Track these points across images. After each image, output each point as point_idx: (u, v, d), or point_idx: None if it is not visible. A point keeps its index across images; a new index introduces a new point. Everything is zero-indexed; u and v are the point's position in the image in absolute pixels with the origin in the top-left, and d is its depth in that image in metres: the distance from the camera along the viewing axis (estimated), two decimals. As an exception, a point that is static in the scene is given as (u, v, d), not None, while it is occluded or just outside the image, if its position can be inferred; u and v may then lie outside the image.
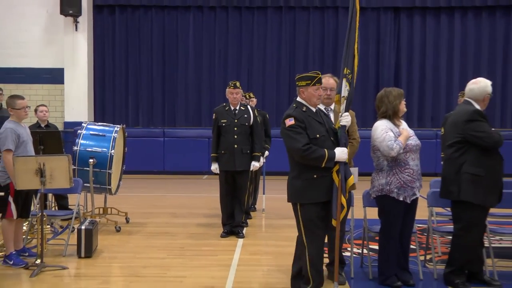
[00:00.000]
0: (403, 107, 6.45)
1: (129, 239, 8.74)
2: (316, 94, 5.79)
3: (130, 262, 7.50)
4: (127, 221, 9.83)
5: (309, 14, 17.24)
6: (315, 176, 5.62)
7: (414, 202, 6.43)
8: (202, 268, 7.17)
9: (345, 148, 5.66)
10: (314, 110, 5.84)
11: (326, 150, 5.58)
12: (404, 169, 6.28)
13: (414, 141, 6.39)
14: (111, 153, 9.36)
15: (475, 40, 17.21)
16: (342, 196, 5.70)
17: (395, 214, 6.35)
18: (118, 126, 9.90)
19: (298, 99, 5.91)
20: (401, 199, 6.27)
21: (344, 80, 5.96)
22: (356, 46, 6.07)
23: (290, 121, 5.64)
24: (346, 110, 5.90)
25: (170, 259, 7.62)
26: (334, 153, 5.57)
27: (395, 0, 16.89)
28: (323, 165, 5.56)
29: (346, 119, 5.84)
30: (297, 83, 5.92)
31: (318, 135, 5.66)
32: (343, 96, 5.95)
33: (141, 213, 10.59)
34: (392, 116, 6.43)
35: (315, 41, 17.32)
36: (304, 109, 5.77)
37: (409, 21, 17.28)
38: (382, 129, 6.32)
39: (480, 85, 6.35)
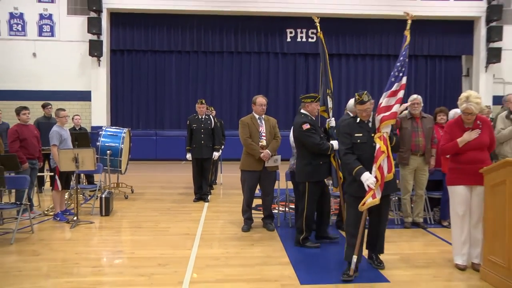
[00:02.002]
0: None
1: (133, 203, 8.68)
2: (316, 108, 5.83)
3: (134, 218, 7.48)
4: (132, 192, 9.75)
5: (251, 56, 17.22)
6: (320, 162, 5.64)
7: None
8: (181, 222, 7.17)
9: (336, 141, 5.69)
10: (314, 118, 5.82)
11: (329, 143, 5.68)
12: None
13: None
14: (121, 146, 9.33)
15: (354, 75, 17.51)
16: (339, 171, 5.81)
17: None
18: (125, 129, 9.86)
19: (303, 111, 5.86)
20: None
21: (328, 97, 6.04)
22: (330, 74, 6.16)
23: (306, 126, 5.60)
24: (332, 116, 6.05)
25: (160, 216, 7.61)
26: (333, 145, 5.65)
27: (305, 48, 17.01)
28: (329, 153, 5.64)
29: (333, 122, 5.99)
30: (303, 100, 5.88)
31: (322, 135, 5.74)
32: (330, 107, 6.04)
33: (141, 186, 10.48)
34: None
35: (254, 74, 17.29)
36: (309, 118, 5.77)
37: (314, 62, 17.31)
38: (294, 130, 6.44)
39: (351, 102, 6.39)
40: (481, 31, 16.81)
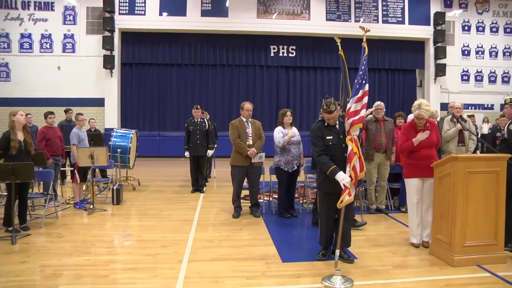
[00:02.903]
0: (286, 120, 6.53)
1: (140, 194, 8.65)
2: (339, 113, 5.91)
3: (141, 207, 7.45)
4: (139, 184, 9.71)
5: (240, 69, 17.22)
6: None
7: (295, 171, 6.53)
8: (181, 210, 7.16)
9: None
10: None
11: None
12: (288, 153, 6.44)
13: (296, 138, 6.50)
14: (129, 145, 9.29)
15: (327, 84, 17.61)
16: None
17: (282, 177, 6.52)
18: (133, 130, 9.82)
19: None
20: (285, 169, 6.44)
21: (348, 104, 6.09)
22: (348, 85, 6.17)
23: None
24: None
25: (163, 205, 7.59)
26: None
27: (286, 61, 17.10)
28: None
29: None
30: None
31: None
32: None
33: (147, 179, 10.44)
34: (280, 124, 6.59)
35: (243, 84, 17.29)
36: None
37: (293, 74, 17.50)
38: (276, 131, 6.52)
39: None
40: (430, 50, 17.23)
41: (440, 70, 16.96)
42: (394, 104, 17.72)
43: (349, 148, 4.34)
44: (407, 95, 17.79)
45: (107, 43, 15.41)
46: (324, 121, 4.64)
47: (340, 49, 6.17)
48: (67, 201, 7.69)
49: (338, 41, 5.91)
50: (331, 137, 4.55)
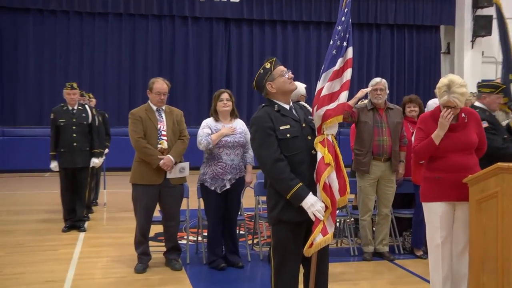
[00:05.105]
0: (220, 106, 6.60)
1: (-36, 240, 8.33)
2: (497, 101, 6.05)
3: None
4: (-35, 220, 9.42)
5: (148, 21, 17.23)
6: None
7: (231, 191, 6.58)
8: (41, 263, 6.92)
9: None
10: (493, 114, 5.88)
11: None
12: (217, 162, 6.49)
13: (232, 138, 6.52)
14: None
15: (293, 48, 17.90)
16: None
17: (209, 201, 6.58)
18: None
19: (477, 104, 6.11)
20: (212, 188, 6.48)
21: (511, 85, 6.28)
22: (511, 53, 6.20)
23: (484, 124, 5.59)
24: None
25: (7, 256, 7.26)
26: None
27: (225, 11, 17.23)
28: None
29: None
30: (479, 90, 6.12)
31: (505, 135, 5.98)
32: None
33: (-20, 213, 10.16)
34: (212, 114, 6.67)
35: (153, 47, 17.33)
36: (487, 114, 5.81)
37: (238, 31, 17.68)
38: (202, 126, 6.59)
39: (300, 86, 6.52)
40: (466, -5, 17.78)
41: (482, 27, 17.45)
42: (402, 82, 18.22)
43: (319, 156, 4.08)
44: (426, 68, 18.38)
45: None
46: (274, 105, 4.31)
47: None
48: None
49: None
50: (288, 127, 4.17)
